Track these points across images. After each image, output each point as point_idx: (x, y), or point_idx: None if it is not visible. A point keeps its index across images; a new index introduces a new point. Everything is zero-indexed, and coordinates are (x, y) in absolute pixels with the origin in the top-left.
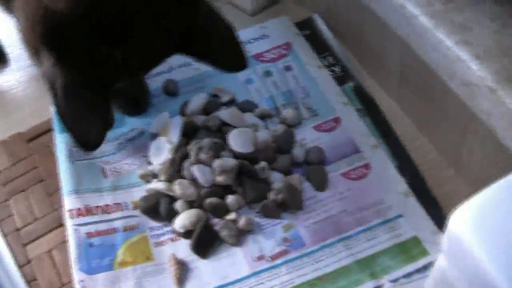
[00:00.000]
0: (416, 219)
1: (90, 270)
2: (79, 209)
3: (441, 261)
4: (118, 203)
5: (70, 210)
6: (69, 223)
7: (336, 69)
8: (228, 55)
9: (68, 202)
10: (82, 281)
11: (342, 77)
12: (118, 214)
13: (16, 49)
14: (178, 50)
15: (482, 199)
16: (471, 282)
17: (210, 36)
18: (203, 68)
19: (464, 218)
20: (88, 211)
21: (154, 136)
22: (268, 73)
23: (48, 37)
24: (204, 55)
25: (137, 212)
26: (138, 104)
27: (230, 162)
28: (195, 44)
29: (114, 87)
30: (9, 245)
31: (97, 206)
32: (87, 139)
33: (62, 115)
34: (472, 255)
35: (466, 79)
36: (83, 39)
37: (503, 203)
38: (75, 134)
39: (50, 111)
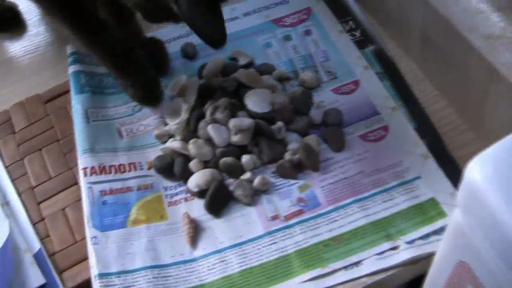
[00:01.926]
0: (434, 181)
1: (103, 227)
2: (93, 167)
3: (456, 215)
4: (133, 163)
5: (84, 168)
6: (83, 181)
7: (357, 33)
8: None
9: (83, 160)
10: (95, 237)
11: (362, 41)
12: (133, 173)
13: (34, 15)
14: None
15: (498, 149)
16: (487, 232)
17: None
18: None
19: (480, 168)
20: (102, 169)
21: (171, 98)
22: (287, 38)
23: None
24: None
25: (151, 172)
26: (159, 67)
27: (246, 121)
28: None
29: None
30: (23, 203)
31: (111, 166)
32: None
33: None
34: (488, 205)
35: (487, 32)
36: None
37: None
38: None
39: (68, 74)
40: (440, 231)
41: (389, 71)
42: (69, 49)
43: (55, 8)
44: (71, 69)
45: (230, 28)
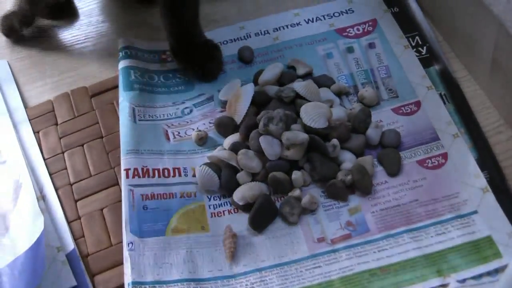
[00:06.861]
0: (492, 217)
1: (141, 233)
2: (136, 169)
3: None
4: (178, 168)
5: (126, 170)
6: (124, 182)
7: (423, 50)
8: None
9: (126, 161)
10: (131, 243)
11: (428, 59)
12: (177, 179)
13: (87, 4)
14: None
15: None
16: None
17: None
18: (282, 37)
19: None
20: (146, 172)
21: (223, 103)
22: (350, 49)
23: None
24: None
25: (196, 179)
26: (207, 71)
27: (301, 135)
28: None
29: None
30: (60, 199)
31: (155, 169)
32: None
33: None
34: None
35: None
36: None
37: None
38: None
39: (117, 69)
40: (494, 272)
41: (454, 94)
42: (121, 43)
43: None
44: (121, 64)
45: (291, 34)
